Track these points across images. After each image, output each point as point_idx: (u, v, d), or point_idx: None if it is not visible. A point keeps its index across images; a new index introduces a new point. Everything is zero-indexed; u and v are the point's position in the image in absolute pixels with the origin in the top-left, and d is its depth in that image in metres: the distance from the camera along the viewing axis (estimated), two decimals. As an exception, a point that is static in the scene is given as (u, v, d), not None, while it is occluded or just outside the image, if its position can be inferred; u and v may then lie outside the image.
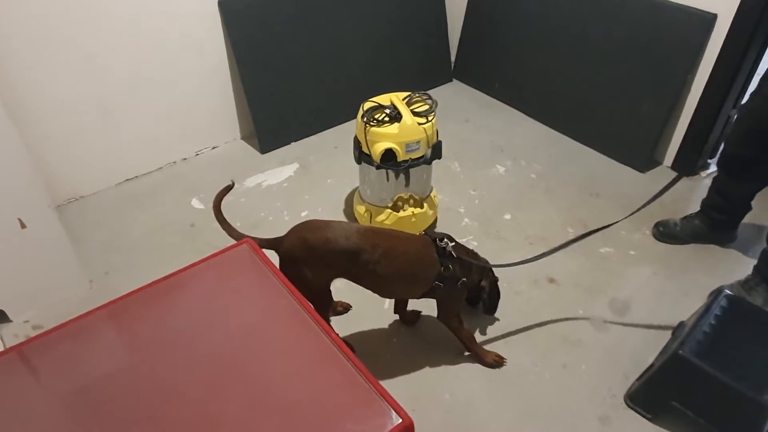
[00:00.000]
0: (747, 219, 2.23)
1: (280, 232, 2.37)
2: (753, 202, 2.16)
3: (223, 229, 1.68)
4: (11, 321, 2.00)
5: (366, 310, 2.04)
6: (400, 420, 1.05)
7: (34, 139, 2.31)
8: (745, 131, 2.00)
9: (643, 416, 1.68)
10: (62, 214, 2.44)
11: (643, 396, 1.70)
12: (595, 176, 2.69)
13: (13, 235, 1.85)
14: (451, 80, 3.50)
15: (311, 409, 1.11)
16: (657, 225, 2.36)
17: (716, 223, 2.24)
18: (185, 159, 2.83)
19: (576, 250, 2.27)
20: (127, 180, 2.69)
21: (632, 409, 1.71)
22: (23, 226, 1.85)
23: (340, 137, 2.98)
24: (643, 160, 2.69)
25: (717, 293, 1.75)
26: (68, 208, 2.53)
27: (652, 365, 1.75)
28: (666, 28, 2.47)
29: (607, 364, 1.85)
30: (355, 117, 2.12)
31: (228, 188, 1.70)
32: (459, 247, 1.73)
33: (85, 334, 1.32)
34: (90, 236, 2.37)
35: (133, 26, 2.40)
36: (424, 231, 1.80)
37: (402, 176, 2.13)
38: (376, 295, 2.07)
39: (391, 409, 1.07)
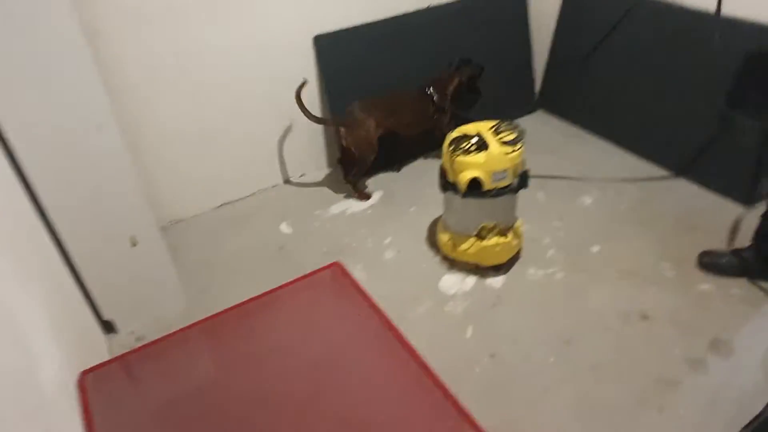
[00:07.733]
0: None
1: (365, 257, 2.44)
2: None
3: (304, 114, 2.55)
4: (118, 332, 2.16)
5: (446, 339, 2.03)
6: (489, 450, 1.04)
7: (145, 164, 2.53)
8: None
9: (750, 470, 1.55)
10: (165, 234, 2.62)
11: (751, 447, 1.57)
12: (691, 208, 2.54)
13: (125, 253, 2.02)
14: (536, 110, 3.47)
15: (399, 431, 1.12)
16: (702, 254, 2.21)
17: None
18: (275, 186, 2.98)
19: (671, 286, 2.16)
20: (224, 204, 2.86)
21: (737, 461, 1.57)
22: (134, 244, 2.01)
23: (424, 166, 3.02)
24: (746, 191, 2.51)
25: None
26: (171, 229, 2.72)
27: (760, 414, 1.61)
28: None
29: (708, 409, 1.72)
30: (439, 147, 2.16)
31: (302, 85, 2.53)
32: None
33: (185, 345, 1.42)
34: (188, 256, 2.53)
35: (235, 59, 2.58)
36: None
37: (487, 204, 2.12)
38: (457, 323, 2.06)
39: (479, 438, 1.06)
